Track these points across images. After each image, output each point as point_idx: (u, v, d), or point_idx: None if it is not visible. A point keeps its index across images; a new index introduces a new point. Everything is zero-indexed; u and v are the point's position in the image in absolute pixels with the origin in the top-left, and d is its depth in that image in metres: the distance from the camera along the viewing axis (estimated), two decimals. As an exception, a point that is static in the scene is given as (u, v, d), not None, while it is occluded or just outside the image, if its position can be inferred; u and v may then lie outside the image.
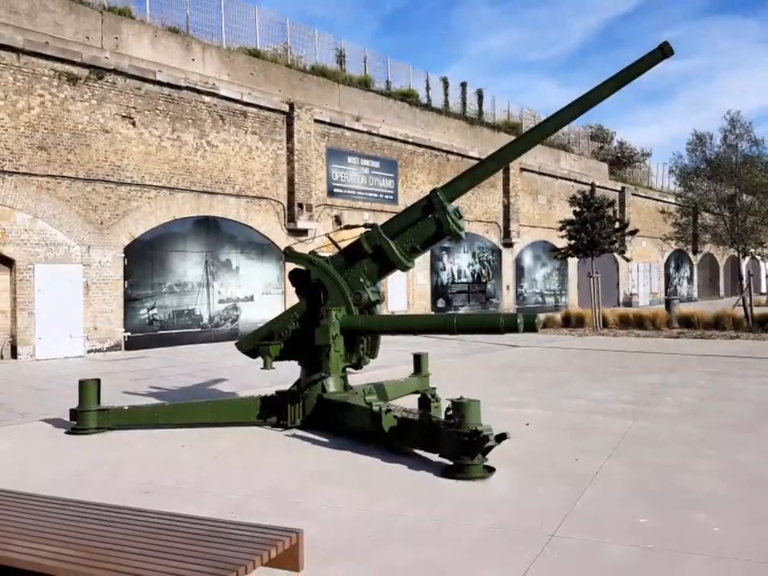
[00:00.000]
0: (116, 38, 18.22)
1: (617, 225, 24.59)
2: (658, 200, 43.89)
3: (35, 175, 15.93)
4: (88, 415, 7.68)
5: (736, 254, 24.11)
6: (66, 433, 7.73)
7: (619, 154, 51.35)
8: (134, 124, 17.81)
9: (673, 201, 38.35)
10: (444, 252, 28.16)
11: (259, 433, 7.64)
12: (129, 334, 17.59)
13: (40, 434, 7.81)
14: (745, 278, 24.14)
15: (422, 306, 26.96)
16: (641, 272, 42.31)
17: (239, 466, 6.33)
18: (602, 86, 7.64)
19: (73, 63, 16.55)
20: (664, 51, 7.39)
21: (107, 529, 3.54)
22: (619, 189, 40.95)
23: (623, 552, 4.22)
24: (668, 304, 25.08)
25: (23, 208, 15.73)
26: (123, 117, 17.60)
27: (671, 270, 46.49)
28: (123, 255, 17.57)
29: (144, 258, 18.11)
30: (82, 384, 7.76)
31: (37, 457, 6.77)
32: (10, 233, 15.49)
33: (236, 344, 8.95)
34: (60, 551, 3.28)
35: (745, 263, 27.28)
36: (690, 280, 49.00)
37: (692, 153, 24.63)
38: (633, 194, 42.02)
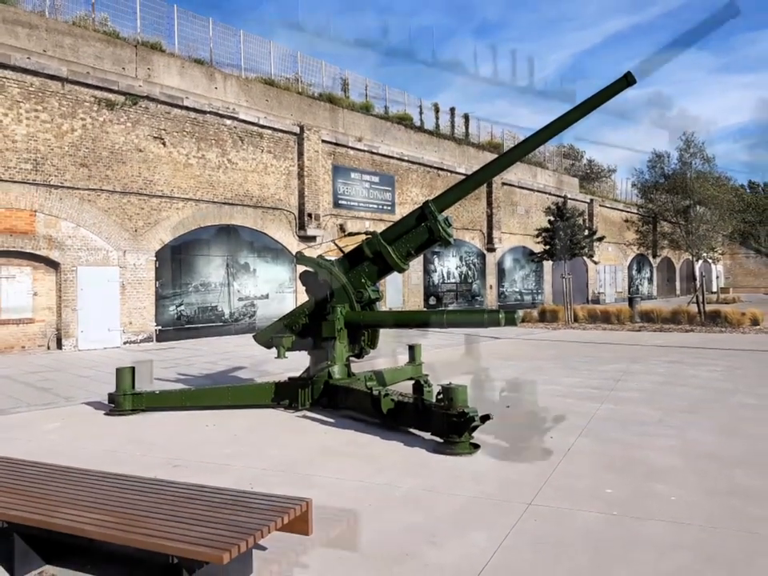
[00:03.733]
0: (148, 68, 18.20)
1: (586, 232, 24.57)
2: (622, 210, 43.86)
3: (78, 189, 15.91)
4: (124, 398, 7.68)
5: (690, 257, 24.13)
6: (105, 414, 7.73)
7: (588, 170, 51.35)
8: (164, 144, 17.79)
9: (635, 211, 38.36)
10: (435, 256, 28.14)
11: (274, 414, 7.63)
12: (159, 327, 17.57)
13: (82, 415, 7.80)
14: (698, 279, 24.15)
15: (416, 303, 26.94)
16: (607, 273, 42.29)
17: (256, 443, 6.32)
18: (573, 110, 7.57)
19: (111, 90, 16.52)
20: (628, 80, 7.33)
21: (140, 498, 3.54)
22: (588, 201, 40.91)
23: (592, 518, 4.22)
24: (631, 301, 25.00)
25: (67, 217, 15.72)
26: (155, 138, 17.58)
27: (634, 272, 46.47)
28: (155, 259, 17.54)
29: (173, 261, 18.08)
30: (119, 371, 7.76)
31: (79, 435, 6.75)
32: (56, 239, 15.48)
33: (253, 336, 8.94)
34: (99, 518, 3.28)
35: (698, 266, 27.31)
36: (650, 280, 48.97)
37: (652, 169, 24.75)
38: (600, 205, 41.97)
